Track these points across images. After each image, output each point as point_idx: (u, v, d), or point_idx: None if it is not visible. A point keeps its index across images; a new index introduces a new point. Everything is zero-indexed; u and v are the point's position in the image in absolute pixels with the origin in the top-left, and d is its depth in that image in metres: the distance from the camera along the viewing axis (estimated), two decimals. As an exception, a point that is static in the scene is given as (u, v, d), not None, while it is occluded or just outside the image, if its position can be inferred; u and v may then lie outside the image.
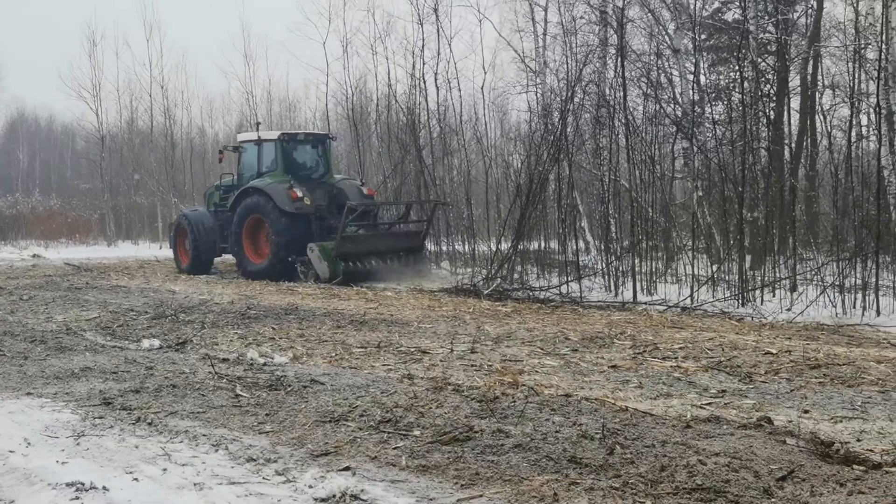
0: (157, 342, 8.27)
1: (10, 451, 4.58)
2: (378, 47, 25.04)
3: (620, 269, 13.62)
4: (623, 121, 14.98)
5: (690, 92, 17.74)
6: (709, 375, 6.57)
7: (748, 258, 13.49)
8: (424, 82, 21.63)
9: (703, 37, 19.55)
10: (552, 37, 19.84)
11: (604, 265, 14.13)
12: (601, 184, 15.70)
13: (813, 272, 12.45)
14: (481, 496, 3.81)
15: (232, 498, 3.84)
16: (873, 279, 10.88)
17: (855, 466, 4.15)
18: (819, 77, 17.62)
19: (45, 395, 5.95)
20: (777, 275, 12.79)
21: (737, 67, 16.27)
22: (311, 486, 3.94)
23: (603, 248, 15.03)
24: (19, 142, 54.42)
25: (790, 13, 18.50)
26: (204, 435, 4.85)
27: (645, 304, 11.92)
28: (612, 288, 13.35)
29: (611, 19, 17.28)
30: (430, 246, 18.45)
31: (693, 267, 13.05)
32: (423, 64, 21.60)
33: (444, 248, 19.14)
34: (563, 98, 15.46)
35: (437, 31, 21.24)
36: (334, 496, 3.80)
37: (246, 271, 16.46)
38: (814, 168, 17.59)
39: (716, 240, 15.22)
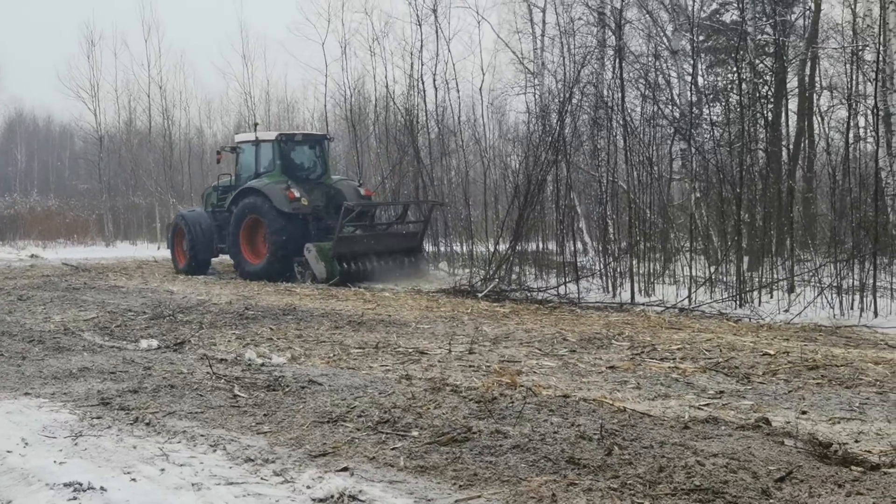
0: (155, 342, 8.27)
1: (8, 452, 4.57)
2: (376, 48, 24.99)
3: (618, 270, 13.63)
4: (621, 122, 14.98)
5: (688, 93, 17.76)
6: (707, 376, 6.57)
7: (746, 259, 13.50)
8: (423, 83, 21.68)
9: (701, 38, 19.54)
10: (550, 38, 19.89)
11: (602, 266, 14.14)
12: (599, 185, 15.70)
13: (811, 273, 12.46)
14: (479, 497, 3.80)
15: (230, 498, 3.83)
16: (871, 280, 10.89)
17: (853, 467, 4.15)
18: (817, 78, 17.63)
19: (43, 396, 5.94)
20: (775, 276, 12.80)
21: (735, 69, 16.29)
22: (308, 487, 3.93)
23: (601, 248, 15.03)
24: (17, 142, 54.41)
25: (788, 15, 18.50)
26: (202, 435, 4.85)
27: (643, 305, 11.93)
28: (610, 289, 13.37)
29: (609, 20, 17.28)
30: (428, 247, 18.46)
31: (691, 268, 13.07)
32: (422, 65, 21.65)
33: (442, 248, 19.15)
34: (562, 99, 15.46)
35: (436, 32, 21.29)
36: (332, 497, 3.80)
37: (243, 272, 16.46)
38: (811, 169, 17.58)
39: (713, 241, 15.22)
